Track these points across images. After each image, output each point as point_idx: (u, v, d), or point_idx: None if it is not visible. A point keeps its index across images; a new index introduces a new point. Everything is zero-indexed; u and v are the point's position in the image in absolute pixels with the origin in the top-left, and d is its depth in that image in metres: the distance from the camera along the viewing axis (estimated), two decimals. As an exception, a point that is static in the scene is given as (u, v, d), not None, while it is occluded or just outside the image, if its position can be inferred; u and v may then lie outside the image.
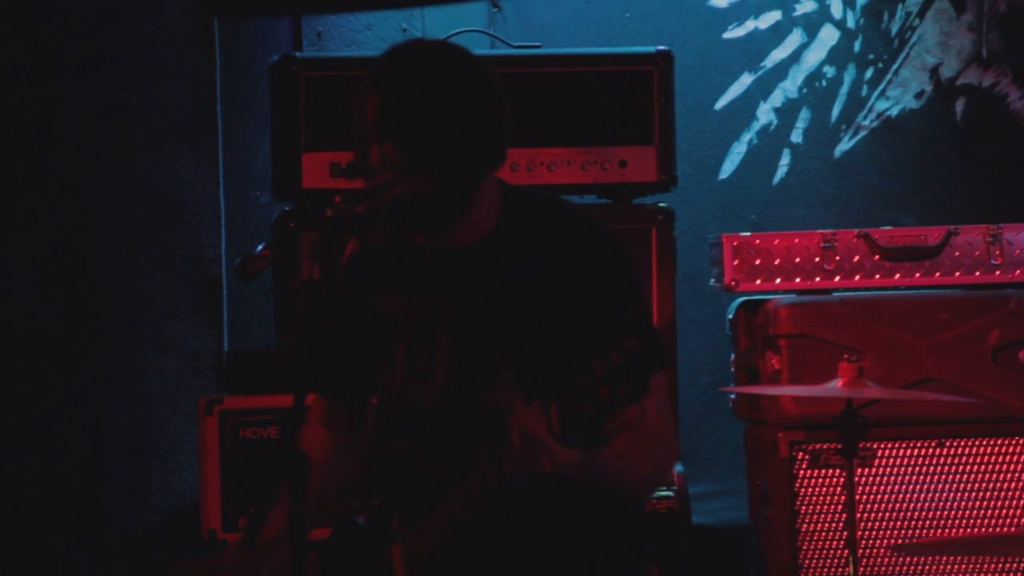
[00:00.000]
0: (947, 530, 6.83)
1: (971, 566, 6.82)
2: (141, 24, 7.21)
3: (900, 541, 6.71)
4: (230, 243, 7.35)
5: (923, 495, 6.80)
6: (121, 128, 7.27)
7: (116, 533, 7.09)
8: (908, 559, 6.77)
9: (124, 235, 7.23)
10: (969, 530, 6.85)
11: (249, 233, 7.27)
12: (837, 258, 6.95)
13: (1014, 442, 6.80)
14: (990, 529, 6.85)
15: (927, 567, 6.85)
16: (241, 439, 6.30)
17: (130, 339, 7.25)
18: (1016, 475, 6.82)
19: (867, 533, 6.59)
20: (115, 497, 7.09)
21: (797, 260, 6.97)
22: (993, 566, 6.84)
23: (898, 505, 6.77)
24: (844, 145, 7.87)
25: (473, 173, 4.56)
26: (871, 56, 7.96)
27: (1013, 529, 6.79)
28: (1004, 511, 6.78)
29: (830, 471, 6.68)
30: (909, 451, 6.81)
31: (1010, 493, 6.77)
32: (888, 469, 6.79)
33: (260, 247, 6.60)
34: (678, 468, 6.58)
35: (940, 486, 6.83)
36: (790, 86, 7.91)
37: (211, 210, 7.28)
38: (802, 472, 6.77)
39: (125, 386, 7.16)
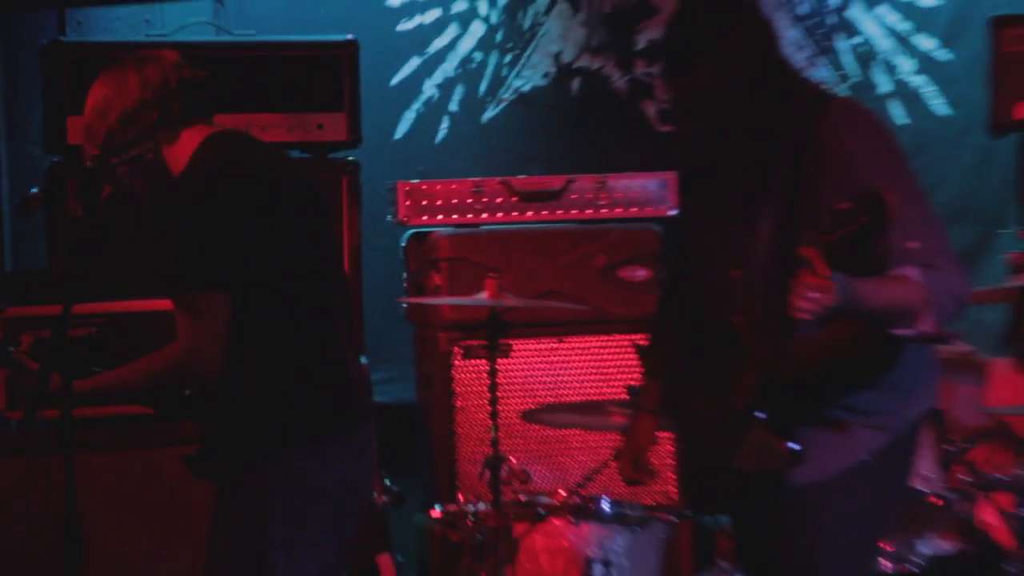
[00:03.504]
0: (564, 400, 7.59)
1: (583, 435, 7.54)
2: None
3: (528, 409, 7.35)
4: (12, 189, 7.85)
5: (547, 377, 7.69)
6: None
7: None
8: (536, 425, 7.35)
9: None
10: (580, 398, 7.66)
11: (26, 180, 7.65)
12: (484, 200, 7.71)
13: (614, 339, 7.68)
14: (593, 397, 7.63)
15: (552, 431, 7.62)
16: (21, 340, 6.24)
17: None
18: (615, 362, 7.75)
19: (505, 406, 7.02)
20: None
21: (454, 201, 7.76)
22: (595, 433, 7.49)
23: (528, 385, 7.63)
24: (490, 113, 8.48)
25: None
26: (509, 45, 8.51)
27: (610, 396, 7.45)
28: (601, 387, 7.65)
29: (478, 361, 7.30)
30: (537, 345, 7.70)
31: (610, 373, 7.71)
32: (522, 358, 7.60)
33: (34, 190, 6.86)
34: (363, 359, 6.84)
35: (560, 370, 7.72)
36: (448, 67, 8.46)
37: None
38: (457, 362, 7.64)
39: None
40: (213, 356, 5.14)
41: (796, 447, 4.89)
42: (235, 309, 5.16)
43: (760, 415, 4.91)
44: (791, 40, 8.31)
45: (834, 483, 4.96)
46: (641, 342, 6.08)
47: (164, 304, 5.41)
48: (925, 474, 6.67)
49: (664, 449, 6.99)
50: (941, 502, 6.80)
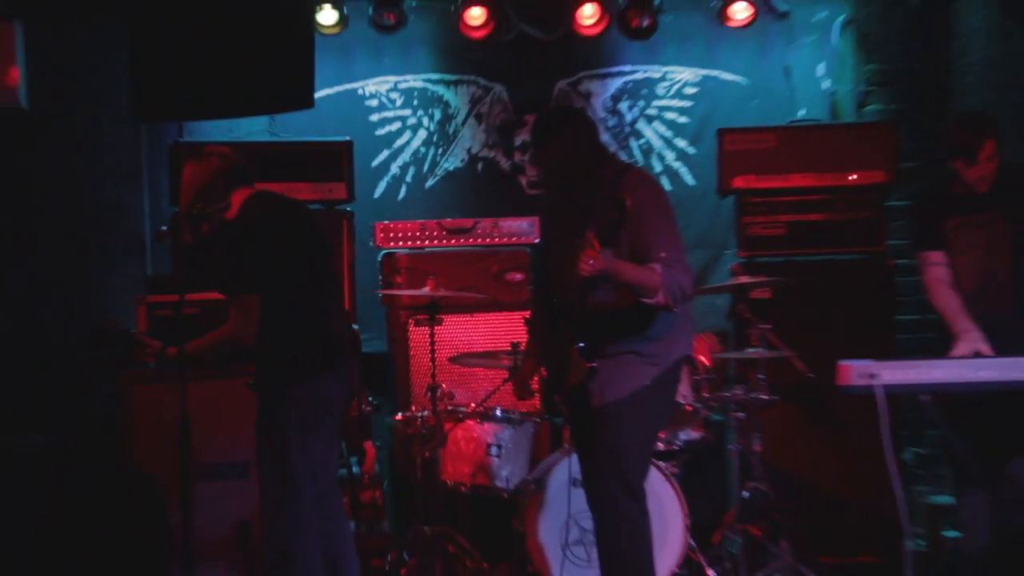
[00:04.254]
0: (474, 350, 7.27)
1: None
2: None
3: (453, 355, 7.05)
4: (152, 226, 7.42)
5: (464, 337, 7.42)
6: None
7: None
8: None
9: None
10: (483, 349, 7.30)
11: (160, 222, 7.35)
12: (427, 234, 7.46)
13: (502, 315, 7.39)
14: (490, 349, 7.24)
15: (468, 368, 7.26)
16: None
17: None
18: (503, 329, 7.43)
19: (439, 354, 6.87)
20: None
21: (409, 235, 7.45)
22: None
23: (453, 342, 7.35)
24: (430, 183, 8.19)
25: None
26: (441, 143, 8.19)
27: (500, 348, 7.03)
28: (495, 343, 7.34)
29: (424, 328, 6.93)
30: (458, 319, 7.35)
31: (500, 335, 7.39)
32: (449, 327, 7.29)
33: (163, 228, 6.35)
34: (355, 327, 6.74)
35: (471, 333, 7.42)
36: (405, 156, 8.16)
37: (140, 225, 7.39)
38: (411, 329, 7.28)
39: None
40: (249, 332, 5.40)
41: (595, 366, 5.08)
42: (264, 301, 5.38)
43: (579, 346, 5.10)
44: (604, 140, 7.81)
45: (629, 399, 5.21)
46: (526, 316, 5.94)
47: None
48: (684, 393, 6.70)
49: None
50: (691, 409, 6.81)
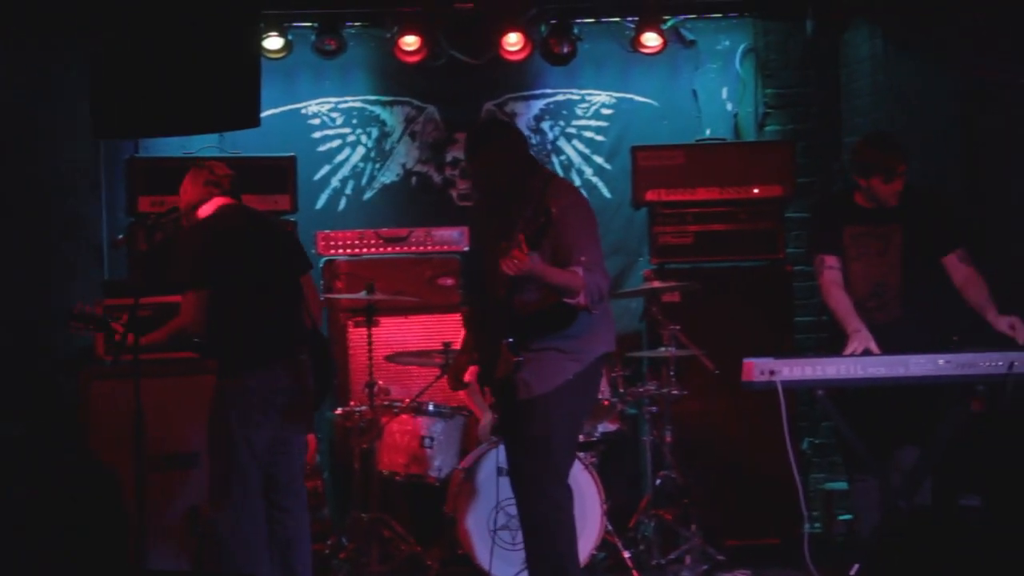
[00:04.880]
0: (408, 349, 7.21)
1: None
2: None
3: (389, 354, 7.05)
4: (109, 234, 7.33)
5: (399, 337, 7.34)
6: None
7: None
8: None
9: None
10: (416, 348, 7.22)
11: (117, 230, 7.34)
12: (365, 242, 7.41)
13: (434, 317, 7.34)
14: (423, 348, 7.17)
15: (403, 366, 7.17)
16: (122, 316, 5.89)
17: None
18: (436, 329, 7.34)
19: (376, 353, 6.84)
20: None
21: (348, 243, 7.42)
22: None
23: (389, 341, 7.26)
24: (367, 196, 8.10)
25: None
26: (378, 159, 8.09)
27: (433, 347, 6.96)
28: (427, 342, 7.24)
29: (361, 329, 6.95)
30: (394, 320, 7.29)
31: (432, 335, 7.28)
32: (385, 327, 7.22)
33: (120, 235, 6.95)
34: None
35: (406, 333, 7.36)
36: (345, 171, 8.06)
37: (98, 234, 7.29)
38: (350, 330, 7.20)
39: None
40: (195, 324, 5.46)
41: (520, 359, 5.08)
42: (212, 298, 5.40)
43: (508, 341, 5.11)
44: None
45: (555, 392, 5.18)
46: (463, 313, 5.88)
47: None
48: (601, 388, 6.59)
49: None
50: (608, 403, 6.77)
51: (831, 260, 5.96)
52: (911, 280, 5.84)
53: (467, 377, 5.77)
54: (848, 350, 5.65)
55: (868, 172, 5.87)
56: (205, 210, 5.61)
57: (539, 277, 4.98)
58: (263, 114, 5.85)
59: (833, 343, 5.90)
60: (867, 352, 5.61)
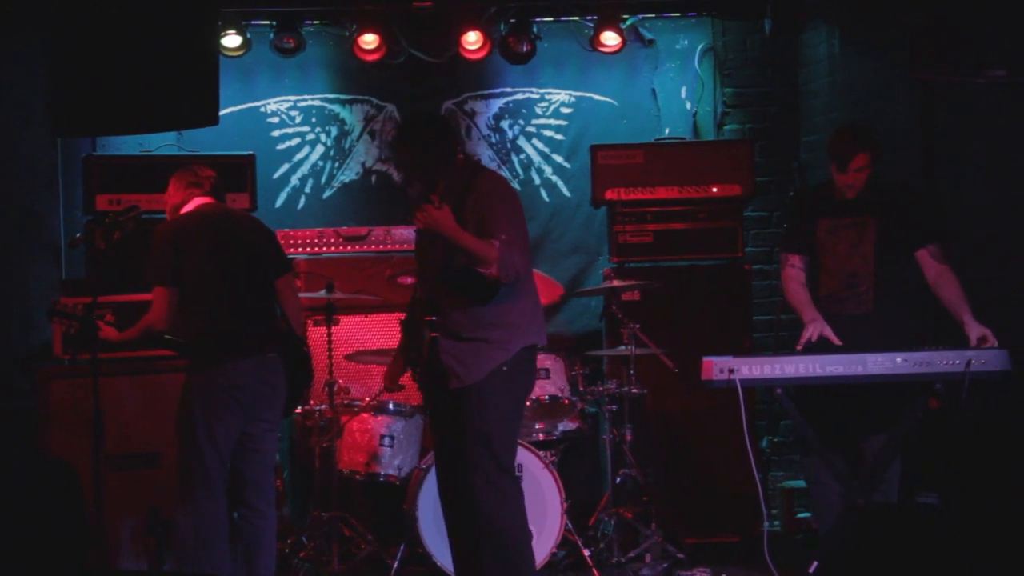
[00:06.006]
0: (368, 348, 7.20)
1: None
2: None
3: (349, 353, 6.97)
4: (66, 234, 7.27)
5: (359, 336, 7.31)
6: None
7: None
8: None
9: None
10: (376, 347, 7.16)
11: (74, 229, 7.26)
12: (324, 240, 7.39)
13: (396, 315, 6.95)
14: (383, 347, 7.09)
15: (362, 365, 7.14)
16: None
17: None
18: (396, 328, 6.79)
19: (336, 352, 6.75)
20: None
21: (308, 241, 7.40)
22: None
23: (350, 340, 7.24)
24: (327, 194, 8.04)
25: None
26: (338, 157, 8.02)
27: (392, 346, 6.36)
28: (387, 342, 7.18)
29: (321, 328, 6.84)
30: (353, 319, 7.25)
31: (393, 334, 7.14)
32: (345, 327, 7.19)
33: (78, 234, 6.82)
34: None
35: (366, 333, 7.32)
36: (304, 169, 8.00)
37: (56, 232, 7.27)
38: (309, 329, 7.03)
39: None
40: (159, 321, 5.49)
41: (436, 336, 5.13)
42: (181, 295, 5.43)
43: (429, 319, 5.15)
44: (484, 155, 8.02)
45: (486, 381, 5.16)
46: (401, 318, 5.87)
47: (145, 296, 5.70)
48: (561, 387, 6.76)
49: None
50: (568, 402, 6.80)
51: (794, 259, 6.00)
52: (884, 273, 5.84)
53: (403, 379, 5.75)
54: (804, 338, 5.68)
55: (828, 161, 5.92)
56: (186, 211, 5.67)
57: (451, 235, 4.99)
58: (222, 112, 6.06)
59: (791, 342, 5.92)
60: (823, 337, 5.66)
